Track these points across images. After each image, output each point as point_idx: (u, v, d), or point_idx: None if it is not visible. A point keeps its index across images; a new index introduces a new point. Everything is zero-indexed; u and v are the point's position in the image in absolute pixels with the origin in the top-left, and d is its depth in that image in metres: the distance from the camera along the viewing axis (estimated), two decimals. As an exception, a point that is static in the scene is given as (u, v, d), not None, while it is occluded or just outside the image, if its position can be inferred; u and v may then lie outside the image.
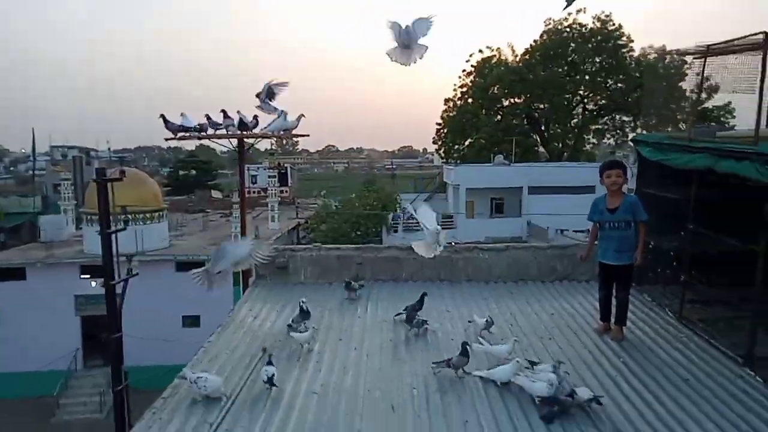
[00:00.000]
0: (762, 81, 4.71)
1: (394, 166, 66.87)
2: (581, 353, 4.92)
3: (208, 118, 7.75)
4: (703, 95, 6.18)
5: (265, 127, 7.91)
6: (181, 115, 7.66)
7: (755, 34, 4.63)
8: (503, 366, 4.33)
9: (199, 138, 7.92)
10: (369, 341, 5.28)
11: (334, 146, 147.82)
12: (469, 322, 5.54)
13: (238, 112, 8.04)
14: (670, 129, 6.60)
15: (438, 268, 7.00)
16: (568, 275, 6.86)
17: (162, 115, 7.63)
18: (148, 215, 21.51)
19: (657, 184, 6.11)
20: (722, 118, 28.11)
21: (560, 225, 27.67)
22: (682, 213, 5.57)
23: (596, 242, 5.46)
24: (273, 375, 4.26)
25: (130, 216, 18.83)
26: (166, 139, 7.77)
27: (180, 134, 7.69)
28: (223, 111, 7.96)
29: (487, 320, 5.17)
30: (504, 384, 4.23)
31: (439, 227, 5.80)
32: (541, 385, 3.95)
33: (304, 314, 5.44)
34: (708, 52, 5.41)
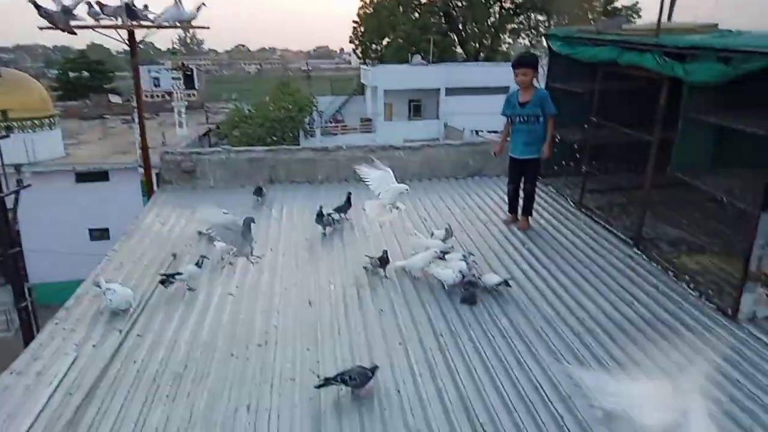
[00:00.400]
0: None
1: (309, 68, 64.10)
2: (490, 243, 5.17)
3: (89, 4, 6.80)
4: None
5: (158, 16, 7.10)
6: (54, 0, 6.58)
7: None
8: (419, 255, 4.45)
9: (81, 28, 6.98)
10: (284, 241, 5.25)
11: (244, 46, 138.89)
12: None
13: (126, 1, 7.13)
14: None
15: (353, 168, 6.91)
16: (480, 170, 7.05)
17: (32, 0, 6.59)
18: (36, 122, 19.57)
19: (565, 78, 6.22)
20: (629, 18, 28.94)
21: (476, 126, 28.21)
22: (586, 106, 5.75)
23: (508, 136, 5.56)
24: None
25: (14, 123, 17.10)
26: (41, 28, 6.77)
27: (61, 24, 6.70)
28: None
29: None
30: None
31: (404, 185, 5.10)
32: (449, 272, 4.13)
33: (262, 192, 6.16)
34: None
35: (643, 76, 4.83)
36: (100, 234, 20.08)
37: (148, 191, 6.90)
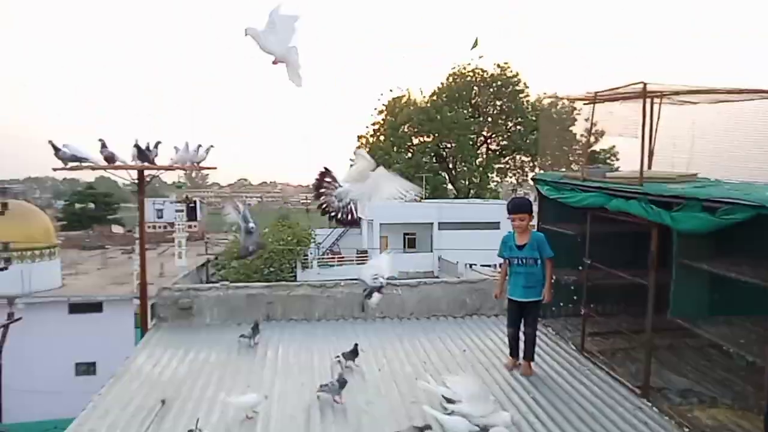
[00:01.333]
0: (643, 127, 5.15)
1: (308, 201, 66.31)
2: (493, 389, 4.96)
3: (103, 144, 7.18)
4: (592, 139, 6.67)
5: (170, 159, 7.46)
6: (64, 146, 6.95)
7: (636, 83, 5.06)
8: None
9: (93, 169, 7.32)
10: (279, 385, 5.03)
11: (246, 180, 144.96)
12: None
13: (136, 143, 7.53)
14: (564, 169, 7.00)
15: (351, 305, 6.89)
16: (478, 310, 7.00)
17: (50, 141, 6.97)
18: (37, 252, 19.73)
19: (556, 219, 6.44)
20: (608, 160, 30.71)
21: (469, 259, 28.54)
22: (579, 248, 5.87)
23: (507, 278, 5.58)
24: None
25: (14, 254, 17.23)
26: (55, 169, 7.10)
27: (71, 164, 7.05)
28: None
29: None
30: None
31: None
32: None
33: (256, 330, 5.92)
34: (595, 99, 5.85)
35: (632, 221, 5.00)
36: (86, 368, 19.29)
37: (142, 325, 6.76)
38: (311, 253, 35.36)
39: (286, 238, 34.23)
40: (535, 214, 6.16)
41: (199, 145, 7.83)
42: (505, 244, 5.51)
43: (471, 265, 26.65)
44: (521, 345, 5.45)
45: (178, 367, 5.46)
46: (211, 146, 7.98)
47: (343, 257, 34.78)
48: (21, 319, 8.96)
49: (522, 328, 5.45)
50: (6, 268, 8.29)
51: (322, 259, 35.01)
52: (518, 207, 5.48)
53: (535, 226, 6.68)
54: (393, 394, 4.83)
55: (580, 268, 5.86)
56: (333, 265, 33.68)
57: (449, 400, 4.38)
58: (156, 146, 7.66)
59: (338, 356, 5.35)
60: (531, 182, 7.19)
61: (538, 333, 5.81)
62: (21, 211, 20.11)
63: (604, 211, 5.33)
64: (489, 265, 26.99)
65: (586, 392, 4.93)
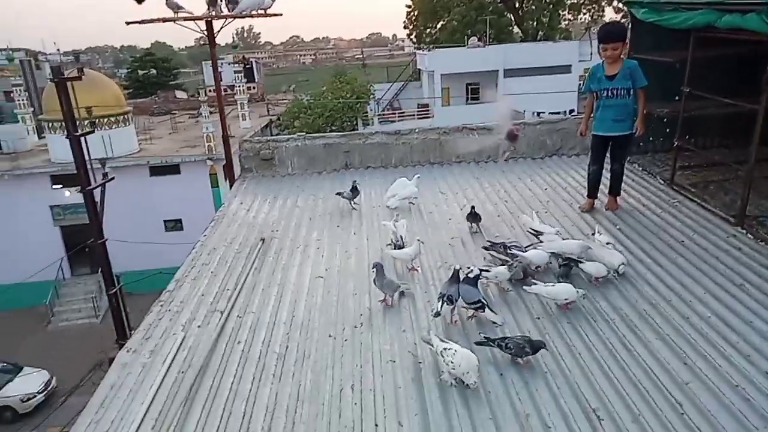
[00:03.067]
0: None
1: (364, 56, 64.19)
2: (579, 224, 4.99)
3: (168, -1, 7.00)
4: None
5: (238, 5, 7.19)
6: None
7: None
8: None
9: (164, 21, 7.21)
10: (366, 225, 5.26)
11: (298, 37, 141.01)
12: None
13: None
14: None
15: (427, 151, 6.88)
16: (558, 150, 6.82)
17: None
18: (113, 119, 20.58)
19: (651, 47, 5.89)
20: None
21: (537, 107, 27.42)
22: (676, 76, 5.42)
23: (593, 114, 5.28)
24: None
25: (95, 119, 18.01)
26: (128, 23, 7.06)
27: (142, 19, 6.98)
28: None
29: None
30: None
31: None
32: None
33: (355, 191, 5.62)
34: None
35: (744, 40, 4.49)
36: (173, 225, 20.96)
37: (229, 178, 7.09)
38: (371, 110, 34.99)
39: (344, 95, 33.88)
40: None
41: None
42: (593, 75, 5.06)
43: (539, 113, 25.68)
44: (602, 185, 5.29)
45: (270, 211, 5.77)
46: None
47: (404, 112, 34.24)
48: (114, 179, 9.60)
49: (608, 165, 5.24)
50: (93, 131, 8.73)
51: (383, 114, 34.64)
52: (610, 34, 4.95)
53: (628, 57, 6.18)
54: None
55: (676, 98, 5.45)
56: (393, 121, 33.38)
57: (538, 233, 4.46)
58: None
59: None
60: (623, 6, 6.44)
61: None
62: (93, 79, 20.61)
63: (710, 31, 4.80)
64: (558, 112, 25.94)
65: (676, 223, 4.86)
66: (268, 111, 38.03)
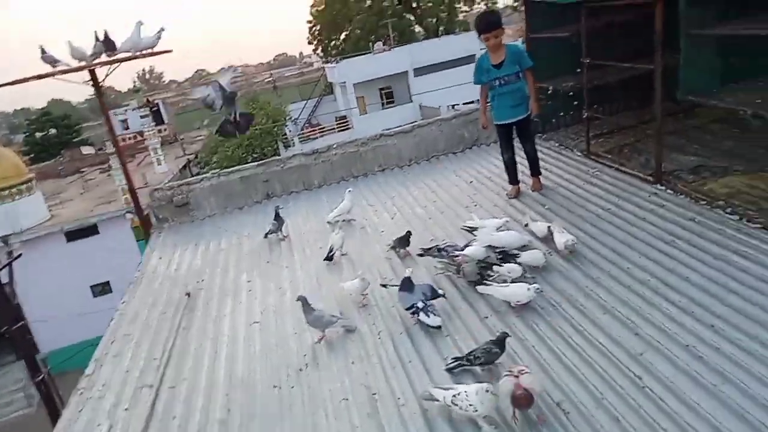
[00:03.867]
0: None
1: (273, 78, 63.48)
2: (508, 211, 4.93)
3: (43, 51, 6.44)
4: None
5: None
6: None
7: None
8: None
9: (42, 77, 6.64)
10: (298, 255, 5.00)
11: (204, 70, 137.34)
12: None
13: (100, 35, 6.70)
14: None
15: (348, 165, 6.69)
16: (476, 141, 6.81)
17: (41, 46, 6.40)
18: (15, 189, 19.15)
19: (546, 26, 5.98)
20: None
21: (451, 101, 27.90)
22: (574, 50, 5.50)
23: (489, 103, 5.22)
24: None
25: (-8, 196, 16.72)
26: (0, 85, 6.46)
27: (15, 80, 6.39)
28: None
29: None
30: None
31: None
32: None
33: (279, 219, 5.30)
34: None
35: (631, 5, 4.60)
36: (102, 289, 19.74)
37: (145, 233, 6.62)
38: (290, 131, 34.57)
39: (260, 121, 33.26)
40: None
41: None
42: (480, 68, 4.98)
43: (454, 106, 26.13)
44: (519, 169, 5.27)
45: (193, 260, 5.40)
46: (162, 29, 7.16)
47: (323, 127, 34.00)
48: (21, 255, 8.83)
49: (520, 149, 5.20)
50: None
51: (302, 134, 34.28)
52: (490, 24, 4.86)
53: (525, 37, 6.25)
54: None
55: (578, 70, 5.54)
56: (315, 138, 33.07)
57: (471, 229, 4.36)
58: (105, 39, 6.83)
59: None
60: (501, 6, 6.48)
61: (540, 148, 5.65)
62: (-15, 151, 19.17)
63: (599, 1, 4.89)
64: (471, 102, 26.51)
65: (599, 192, 4.90)
66: (183, 151, 36.77)
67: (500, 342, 2.99)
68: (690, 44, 4.17)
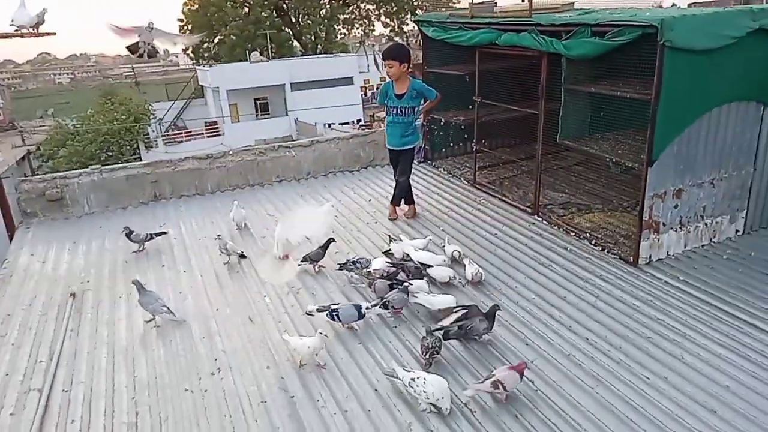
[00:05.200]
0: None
1: (135, 73, 59.19)
2: (405, 229, 5.28)
3: None
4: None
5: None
6: None
7: None
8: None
9: None
10: (196, 260, 4.86)
11: (49, 54, 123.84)
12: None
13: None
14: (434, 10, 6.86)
15: (245, 173, 6.61)
16: (371, 161, 7.13)
17: None
18: None
19: (442, 62, 6.53)
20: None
21: (326, 119, 28.38)
22: (468, 88, 6.09)
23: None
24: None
25: None
26: None
27: None
28: None
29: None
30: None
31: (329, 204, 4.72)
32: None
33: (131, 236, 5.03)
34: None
35: (520, 55, 5.24)
36: None
37: (7, 226, 5.91)
38: (153, 131, 32.49)
39: (119, 116, 30.82)
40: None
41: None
42: (384, 93, 5.39)
43: (330, 125, 26.58)
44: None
45: (73, 260, 4.97)
46: (45, 9, 6.46)
47: (190, 131, 32.47)
48: None
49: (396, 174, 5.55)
50: None
51: (167, 135, 32.39)
52: (386, 52, 5.33)
53: (422, 71, 6.73)
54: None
55: (470, 107, 6.13)
56: (180, 141, 31.43)
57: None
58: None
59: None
60: (413, 25, 6.96)
61: (431, 173, 6.12)
62: None
63: (492, 47, 5.49)
64: (347, 123, 27.21)
65: (486, 218, 5.45)
66: (23, 141, 32.71)
67: (492, 316, 3.37)
68: (568, 97, 4.90)
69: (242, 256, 4.79)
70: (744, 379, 3.15)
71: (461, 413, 2.98)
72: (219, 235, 4.79)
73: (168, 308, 3.84)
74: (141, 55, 4.65)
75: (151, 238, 5.04)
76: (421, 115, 5.34)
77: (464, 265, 4.32)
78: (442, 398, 2.92)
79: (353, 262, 4.28)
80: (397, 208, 5.58)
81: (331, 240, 4.59)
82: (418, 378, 2.98)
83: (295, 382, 3.25)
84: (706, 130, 4.26)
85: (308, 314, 3.76)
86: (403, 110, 5.32)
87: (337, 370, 3.32)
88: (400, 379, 3.05)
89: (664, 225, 4.40)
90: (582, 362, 3.34)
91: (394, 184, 5.64)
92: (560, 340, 3.55)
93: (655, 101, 3.95)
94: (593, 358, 3.37)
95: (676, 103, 4.00)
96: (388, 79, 5.42)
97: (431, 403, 2.94)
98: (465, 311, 3.60)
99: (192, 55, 43.13)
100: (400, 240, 4.78)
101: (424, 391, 2.92)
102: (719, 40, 3.97)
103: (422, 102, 5.41)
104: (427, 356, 3.26)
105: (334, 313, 3.61)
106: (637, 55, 4.18)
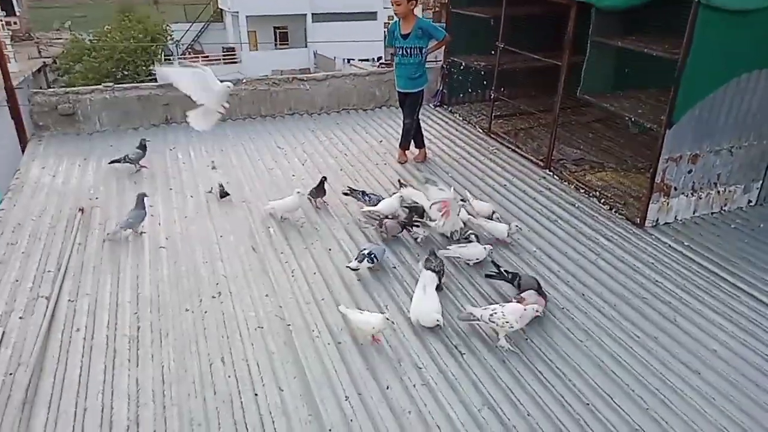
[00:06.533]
0: None
1: (155, -10, 57.49)
2: (414, 174, 5.25)
3: None
4: None
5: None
6: None
7: None
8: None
9: None
10: (203, 186, 4.89)
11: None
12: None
13: None
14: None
15: (258, 103, 6.54)
16: (387, 101, 7.01)
17: None
18: None
19: (468, 2, 6.29)
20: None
21: (346, 54, 27.68)
22: (491, 32, 5.89)
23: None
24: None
25: None
26: None
27: None
28: None
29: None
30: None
31: (227, 83, 4.41)
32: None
33: (144, 150, 5.11)
34: None
35: (550, 1, 5.03)
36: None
37: (19, 135, 5.95)
38: (172, 53, 31.94)
39: (136, 35, 30.25)
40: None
41: None
42: (391, 33, 5.22)
43: (349, 60, 25.98)
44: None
45: (83, 176, 5.02)
46: None
47: (207, 56, 31.88)
48: None
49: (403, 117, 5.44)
50: None
51: (184, 58, 31.83)
52: None
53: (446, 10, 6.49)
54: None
55: (492, 53, 5.94)
56: (197, 66, 30.93)
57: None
58: None
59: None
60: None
61: (445, 119, 6.00)
62: None
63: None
64: (367, 59, 26.54)
65: (497, 168, 5.40)
66: (39, 52, 32.31)
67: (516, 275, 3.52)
68: (594, 50, 4.73)
69: (224, 193, 4.64)
70: (732, 345, 3.20)
71: (450, 354, 3.06)
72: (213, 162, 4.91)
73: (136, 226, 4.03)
74: None
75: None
76: (431, 56, 5.08)
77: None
78: (520, 319, 3.06)
79: (363, 192, 4.31)
80: (406, 151, 5.52)
81: (323, 178, 4.55)
82: (494, 312, 3.08)
83: (293, 311, 3.34)
84: (731, 95, 4.13)
85: (353, 269, 3.63)
86: (409, 50, 5.14)
87: (334, 305, 3.39)
88: (479, 319, 3.13)
89: (675, 189, 4.34)
90: (575, 316, 3.39)
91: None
92: (556, 293, 3.59)
93: (682, 61, 3.81)
94: (587, 313, 3.42)
95: (704, 65, 3.85)
96: (396, 19, 5.23)
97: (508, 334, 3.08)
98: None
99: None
100: (409, 186, 4.73)
101: (507, 321, 3.04)
102: (755, 1, 3.78)
103: (429, 42, 5.22)
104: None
105: (372, 255, 3.62)
106: (669, 12, 4.01)
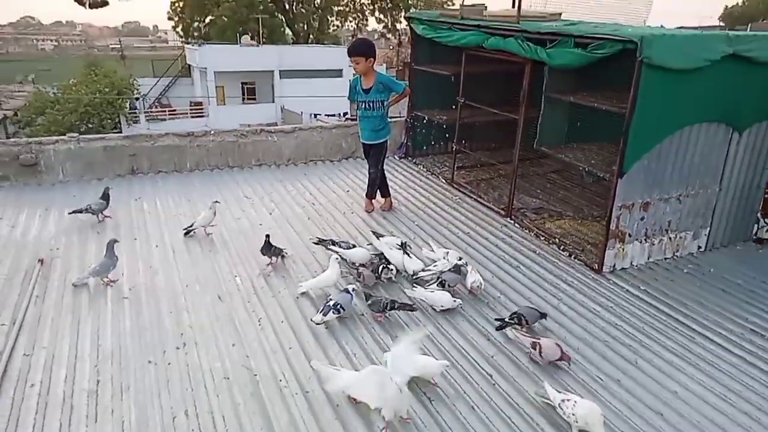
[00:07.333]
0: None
1: (122, 46, 58.06)
2: (381, 222, 5.35)
3: None
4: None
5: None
6: None
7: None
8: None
9: None
10: (168, 236, 4.85)
11: (33, 18, 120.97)
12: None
13: None
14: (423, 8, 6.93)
15: (225, 154, 6.61)
16: (353, 153, 7.18)
17: None
18: None
19: (430, 60, 6.61)
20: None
21: (312, 109, 28.25)
22: (453, 88, 6.18)
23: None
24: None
25: None
26: None
27: None
28: None
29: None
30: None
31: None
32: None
33: (106, 200, 5.09)
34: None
35: (505, 60, 5.34)
36: None
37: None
38: (138, 107, 31.98)
39: (102, 89, 30.26)
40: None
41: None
42: (353, 88, 5.43)
43: (316, 115, 26.48)
44: (393, 185, 5.72)
45: (44, 227, 4.92)
46: None
47: (174, 110, 32.05)
48: None
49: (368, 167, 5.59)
50: None
51: (150, 112, 31.92)
52: (352, 49, 5.31)
53: (407, 66, 6.79)
54: (291, 234, 4.96)
55: (453, 107, 6.21)
56: (164, 119, 31.04)
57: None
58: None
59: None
60: (404, 21, 6.99)
61: (410, 170, 6.17)
62: None
63: (479, 50, 5.58)
64: (333, 115, 27.11)
65: (461, 217, 5.55)
66: (0, 105, 31.94)
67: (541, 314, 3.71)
68: (548, 105, 5.01)
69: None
70: (692, 386, 3.29)
71: (420, 401, 3.05)
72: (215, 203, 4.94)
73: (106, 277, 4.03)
74: (92, 6, 4.53)
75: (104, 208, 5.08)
76: (396, 110, 5.32)
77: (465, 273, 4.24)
78: (592, 423, 2.79)
79: (334, 241, 4.36)
80: (373, 200, 5.64)
81: (267, 236, 4.41)
82: (567, 401, 2.90)
83: (260, 361, 3.29)
84: (676, 147, 4.41)
85: (317, 323, 3.59)
86: (371, 104, 5.34)
87: (302, 354, 3.37)
88: (551, 401, 2.98)
89: (629, 236, 4.54)
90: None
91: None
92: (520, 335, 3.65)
93: (629, 115, 4.08)
94: (552, 356, 3.48)
95: (649, 119, 4.13)
96: (357, 76, 5.42)
97: (579, 429, 2.83)
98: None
99: (182, 32, 42.58)
100: (382, 236, 4.78)
101: (573, 414, 2.84)
102: (695, 61, 4.11)
103: (390, 95, 5.40)
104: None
105: (338, 306, 3.61)
106: (615, 69, 4.31)
